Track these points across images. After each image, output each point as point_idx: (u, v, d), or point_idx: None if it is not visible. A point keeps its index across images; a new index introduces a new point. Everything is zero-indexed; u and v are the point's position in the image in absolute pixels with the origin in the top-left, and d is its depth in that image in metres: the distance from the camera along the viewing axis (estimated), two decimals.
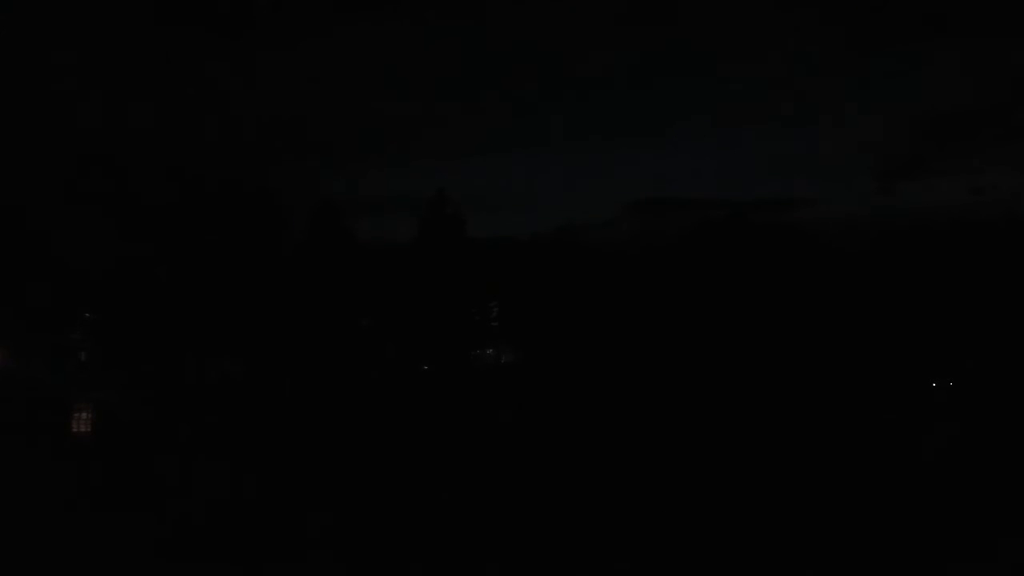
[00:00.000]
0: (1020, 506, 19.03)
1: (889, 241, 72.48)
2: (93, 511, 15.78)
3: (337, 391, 60.96)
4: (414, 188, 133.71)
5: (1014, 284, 64.41)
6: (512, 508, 17.61)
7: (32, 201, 66.08)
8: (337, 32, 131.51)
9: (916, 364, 64.97)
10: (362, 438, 36.28)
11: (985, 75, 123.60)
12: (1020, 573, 12.95)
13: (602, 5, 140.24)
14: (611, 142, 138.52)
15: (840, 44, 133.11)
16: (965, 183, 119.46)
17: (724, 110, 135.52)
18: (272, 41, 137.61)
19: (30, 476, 20.34)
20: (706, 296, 67.89)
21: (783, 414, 51.50)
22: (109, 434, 36.22)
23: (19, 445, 29.37)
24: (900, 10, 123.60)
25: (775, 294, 66.95)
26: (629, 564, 12.51)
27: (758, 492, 20.03)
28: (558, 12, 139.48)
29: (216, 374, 65.53)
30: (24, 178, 67.12)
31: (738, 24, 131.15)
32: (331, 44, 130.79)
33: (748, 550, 13.58)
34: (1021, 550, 14.21)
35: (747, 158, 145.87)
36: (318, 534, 14.46)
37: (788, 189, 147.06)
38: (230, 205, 69.85)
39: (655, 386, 63.77)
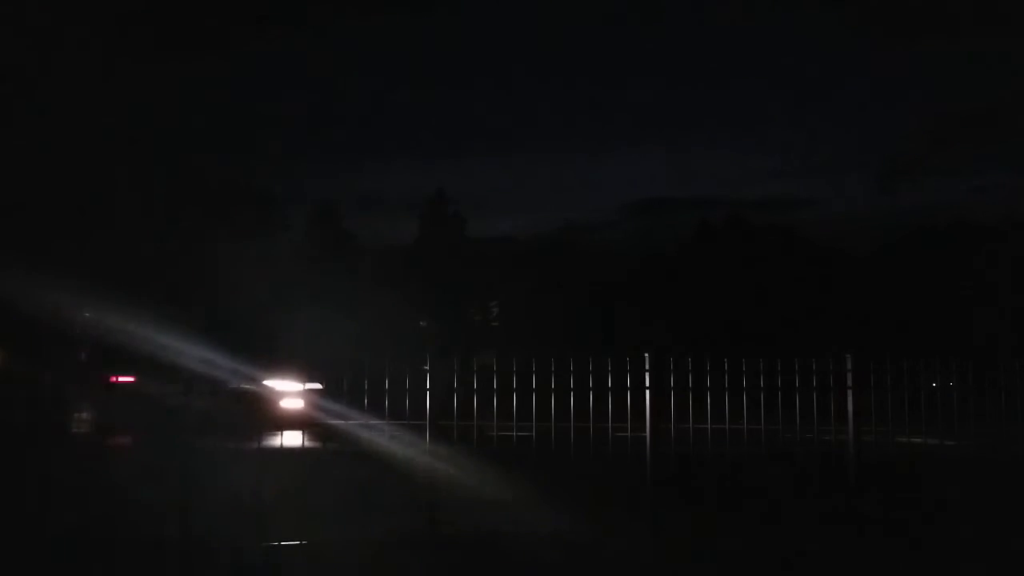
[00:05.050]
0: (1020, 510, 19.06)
1: (889, 241, 72.65)
2: (93, 512, 15.83)
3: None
4: (414, 188, 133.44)
5: (1014, 284, 64.55)
6: None
7: (32, 201, 66.17)
8: (335, 31, 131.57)
9: (916, 364, 65.05)
10: None
11: (985, 75, 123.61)
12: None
13: (602, 4, 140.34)
14: (611, 142, 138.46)
15: (840, 44, 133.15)
16: (965, 183, 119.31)
17: (724, 110, 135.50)
18: (270, 40, 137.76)
19: (29, 477, 20.39)
20: (706, 296, 68.09)
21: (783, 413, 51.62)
22: (109, 434, 36.26)
23: (18, 445, 29.40)
24: (901, 9, 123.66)
25: (775, 294, 67.12)
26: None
27: (757, 496, 20.07)
28: (557, 12, 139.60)
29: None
30: (24, 178, 67.22)
31: (738, 24, 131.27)
32: (329, 43, 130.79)
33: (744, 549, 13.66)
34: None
35: (747, 158, 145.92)
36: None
37: (788, 189, 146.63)
38: (229, 204, 69.95)
39: (655, 385, 63.90)
